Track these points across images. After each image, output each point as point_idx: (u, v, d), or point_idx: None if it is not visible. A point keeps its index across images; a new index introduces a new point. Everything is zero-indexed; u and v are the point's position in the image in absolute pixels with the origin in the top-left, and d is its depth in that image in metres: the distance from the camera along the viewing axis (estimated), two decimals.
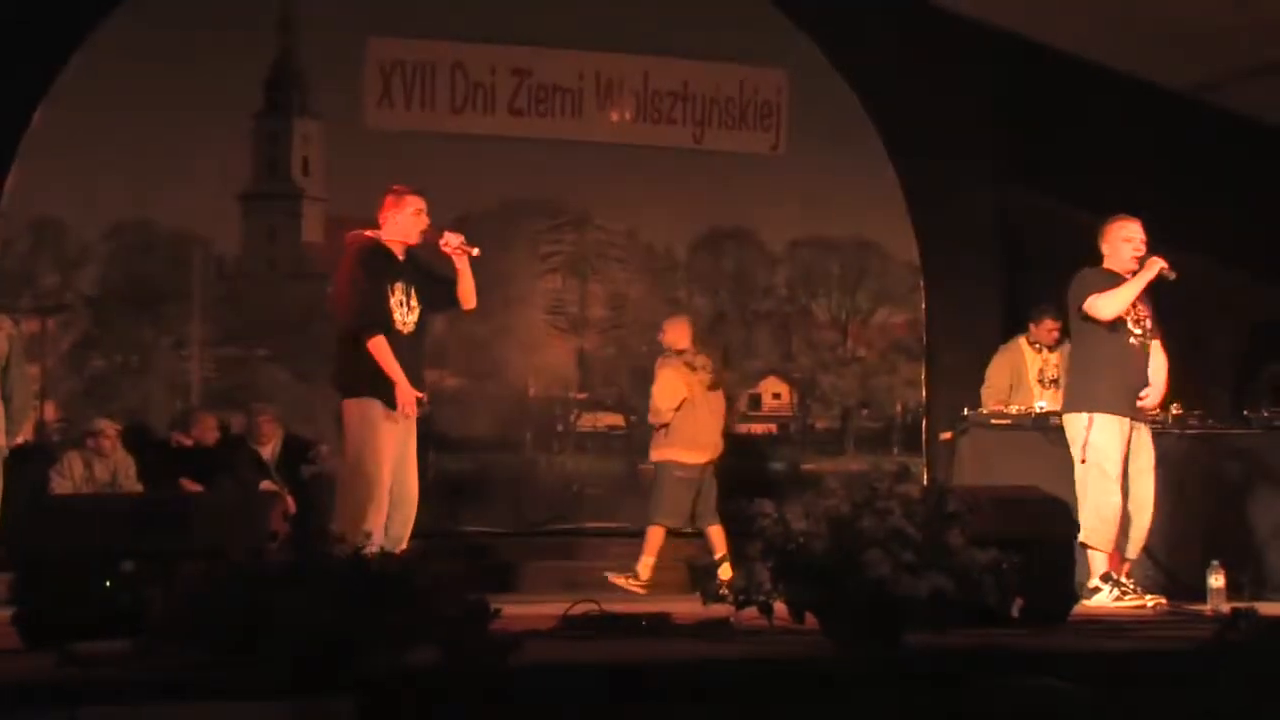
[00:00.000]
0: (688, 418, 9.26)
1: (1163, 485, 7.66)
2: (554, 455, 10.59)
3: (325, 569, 4.08)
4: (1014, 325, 9.51)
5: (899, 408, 11.19)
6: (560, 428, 10.63)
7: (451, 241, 6.83)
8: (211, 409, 9.72)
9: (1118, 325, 7.34)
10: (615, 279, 10.84)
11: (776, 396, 11.20)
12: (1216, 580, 7.19)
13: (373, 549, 5.44)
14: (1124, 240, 7.37)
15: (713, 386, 9.36)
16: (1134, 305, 7.38)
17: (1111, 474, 7.24)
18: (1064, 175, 10.15)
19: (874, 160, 10.63)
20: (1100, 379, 7.45)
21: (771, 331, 11.31)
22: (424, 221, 6.87)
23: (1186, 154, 9.89)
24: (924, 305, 10.91)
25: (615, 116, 10.64)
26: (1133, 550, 7.37)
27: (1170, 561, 7.88)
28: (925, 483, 9.36)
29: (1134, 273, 7.34)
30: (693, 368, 9.32)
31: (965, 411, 8.55)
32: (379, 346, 6.65)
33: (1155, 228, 7.43)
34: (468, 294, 6.97)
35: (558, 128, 10.45)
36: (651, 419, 9.35)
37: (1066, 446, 7.46)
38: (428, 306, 6.94)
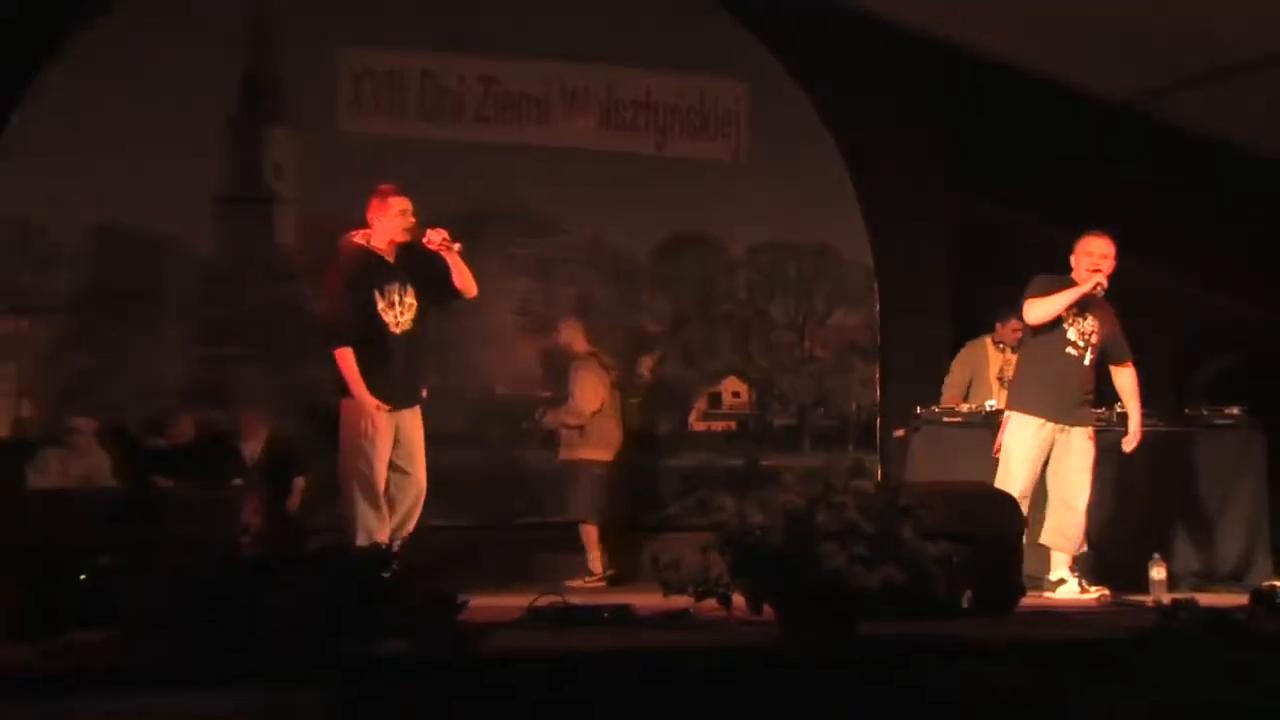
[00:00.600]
0: (603, 418, 9.33)
1: (1108, 481, 7.71)
2: (521, 451, 10.58)
3: (295, 562, 4.06)
4: (965, 326, 9.54)
5: (854, 406, 11.22)
6: (526, 425, 10.62)
7: (434, 239, 6.84)
8: (187, 408, 9.66)
9: (1055, 333, 7.38)
10: (580, 282, 10.83)
11: (736, 395, 11.22)
12: (1158, 572, 7.25)
13: (362, 541, 5.42)
14: (1084, 254, 7.42)
15: (617, 385, 9.43)
16: (1081, 318, 7.40)
17: (1015, 473, 7.30)
18: (1012, 183, 10.21)
19: (830, 167, 10.66)
20: (1027, 382, 7.53)
21: (731, 333, 11.33)
22: (409, 221, 6.87)
23: (1128, 163, 9.95)
24: (878, 307, 10.94)
25: (580, 124, 10.64)
26: (1068, 545, 7.41)
27: (1115, 554, 7.93)
28: (879, 478, 9.40)
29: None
30: (605, 368, 9.40)
31: (918, 410, 8.58)
32: (343, 358, 6.66)
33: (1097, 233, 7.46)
34: (466, 284, 6.98)
35: (524, 134, 10.44)
36: (569, 420, 9.38)
37: None
38: (430, 301, 6.94)
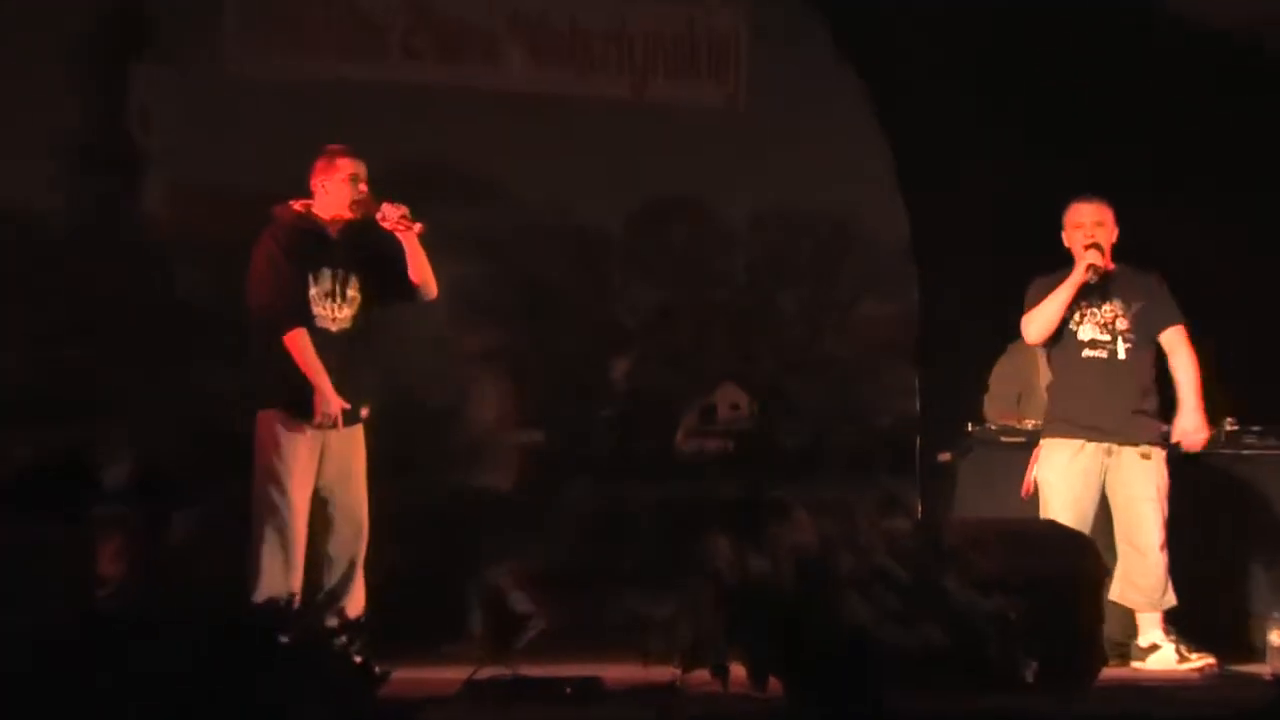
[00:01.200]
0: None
1: (1209, 519, 7.73)
2: (455, 478, 10.57)
3: (171, 622, 4.05)
4: None
5: (887, 421, 11.24)
6: (463, 444, 10.61)
7: (390, 215, 6.86)
8: (33, 422, 9.61)
9: (1064, 339, 7.44)
10: (533, 263, 10.83)
11: (734, 408, 11.23)
12: (1278, 637, 7.25)
13: (262, 596, 5.43)
14: (1073, 228, 7.48)
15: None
16: (1095, 306, 7.44)
17: (1057, 504, 7.33)
18: (1090, 139, 10.20)
19: (856, 118, 10.66)
20: (1052, 399, 7.58)
21: (728, 328, 11.34)
22: (359, 191, 6.88)
23: (1245, 111, 9.95)
24: (917, 295, 10.95)
25: (536, 62, 10.64)
26: (1143, 602, 7.42)
27: (1221, 613, 7.94)
28: (917, 514, 9.40)
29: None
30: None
31: (968, 427, 8.59)
32: (296, 342, 6.68)
33: (1202, 199, 7.47)
34: (425, 278, 6.99)
35: (464, 75, 10.43)
36: None
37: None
38: (375, 298, 6.96)
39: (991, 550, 5.19)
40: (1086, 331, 7.50)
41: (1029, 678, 5.61)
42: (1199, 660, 7.32)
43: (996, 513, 7.72)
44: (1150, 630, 7.45)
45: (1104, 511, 7.52)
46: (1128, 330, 7.48)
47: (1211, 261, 7.65)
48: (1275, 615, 7.37)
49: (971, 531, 5.11)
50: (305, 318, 6.75)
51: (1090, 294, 7.47)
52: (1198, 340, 7.74)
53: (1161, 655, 7.36)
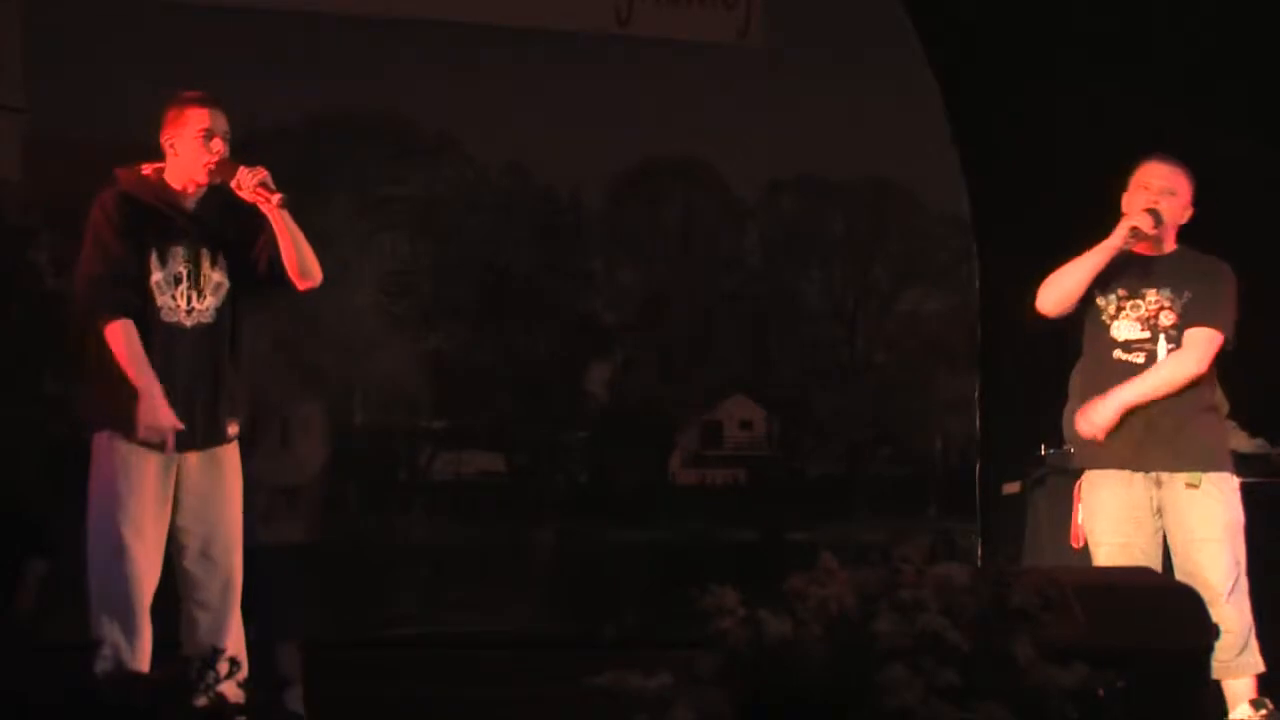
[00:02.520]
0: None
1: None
2: (394, 517, 10.59)
3: (20, 700, 4.06)
4: None
5: (939, 443, 11.27)
6: (404, 475, 10.63)
7: (245, 182, 6.83)
8: None
9: (1097, 334, 7.45)
10: (491, 240, 10.85)
11: (745, 426, 11.25)
12: None
13: (104, 662, 5.43)
14: (1139, 188, 7.46)
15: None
16: (1136, 297, 7.45)
17: (1104, 557, 7.36)
18: (1198, 85, 10.24)
19: (899, 56, 10.70)
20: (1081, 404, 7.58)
21: (739, 323, 11.37)
22: (216, 150, 6.87)
23: None
24: (978, 284, 10.98)
25: None
26: (1228, 662, 7.45)
27: None
28: (979, 561, 9.43)
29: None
30: None
31: (1043, 450, 8.61)
32: (117, 335, 6.66)
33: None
34: (298, 264, 6.96)
35: (403, 2, 10.44)
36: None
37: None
38: (242, 283, 6.95)
39: (1071, 609, 5.19)
40: (1123, 329, 7.47)
41: None
42: None
43: (1078, 559, 7.74)
44: (1240, 705, 7.47)
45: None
46: (1173, 325, 7.46)
47: None
48: None
49: (1046, 584, 5.11)
50: (131, 307, 6.73)
51: (1133, 279, 7.43)
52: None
53: None
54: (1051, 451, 8.64)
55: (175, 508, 6.85)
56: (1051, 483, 8.52)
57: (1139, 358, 7.40)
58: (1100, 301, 7.47)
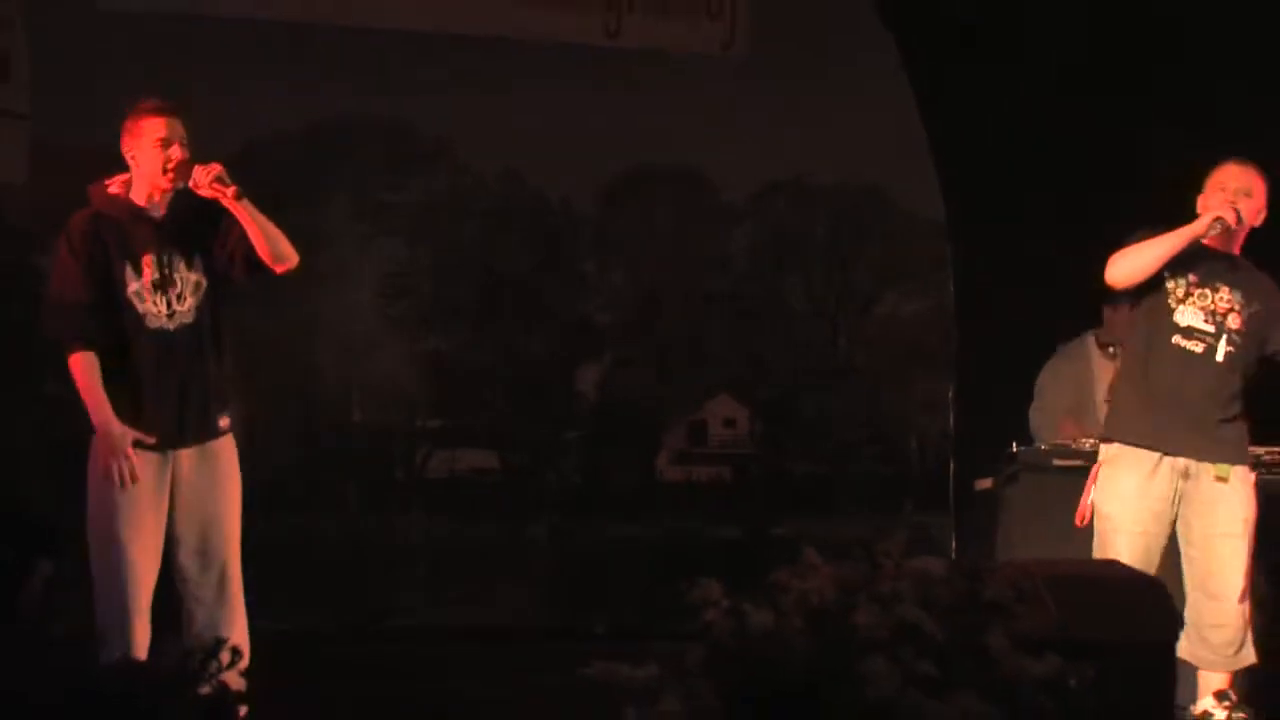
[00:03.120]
0: None
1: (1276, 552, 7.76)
2: (392, 515, 10.59)
3: (31, 691, 4.07)
4: (1088, 317, 9.57)
5: (915, 442, 11.28)
6: (401, 473, 10.63)
7: (200, 180, 6.82)
8: None
9: (1159, 317, 7.42)
10: (486, 244, 10.85)
11: (729, 424, 11.25)
12: None
13: (111, 658, 5.44)
14: (1216, 189, 7.46)
15: None
16: (1209, 288, 7.44)
17: (1116, 545, 7.34)
18: (1169, 87, 10.25)
19: (880, 67, 10.71)
20: (1124, 397, 7.54)
21: (725, 324, 11.38)
22: (174, 155, 6.86)
23: None
24: (953, 287, 11.00)
25: None
26: (1216, 660, 7.46)
27: None
28: (953, 555, 9.44)
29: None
30: None
31: (1014, 447, 8.62)
32: (77, 366, 6.69)
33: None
34: (270, 249, 6.94)
35: (399, 13, 10.44)
36: None
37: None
38: (220, 278, 6.95)
39: (1043, 601, 5.20)
40: (1187, 315, 7.43)
41: None
42: None
43: (1049, 553, 7.74)
44: (1206, 695, 7.47)
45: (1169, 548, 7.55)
46: (1238, 330, 7.45)
47: None
48: None
49: (1018, 577, 5.12)
50: (91, 339, 6.75)
51: (1208, 273, 7.42)
52: None
53: None
54: (1022, 449, 8.64)
55: (171, 504, 6.85)
56: (1023, 479, 8.51)
57: (1198, 347, 7.36)
58: (1170, 284, 7.43)
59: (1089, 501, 7.46)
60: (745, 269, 11.00)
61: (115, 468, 6.67)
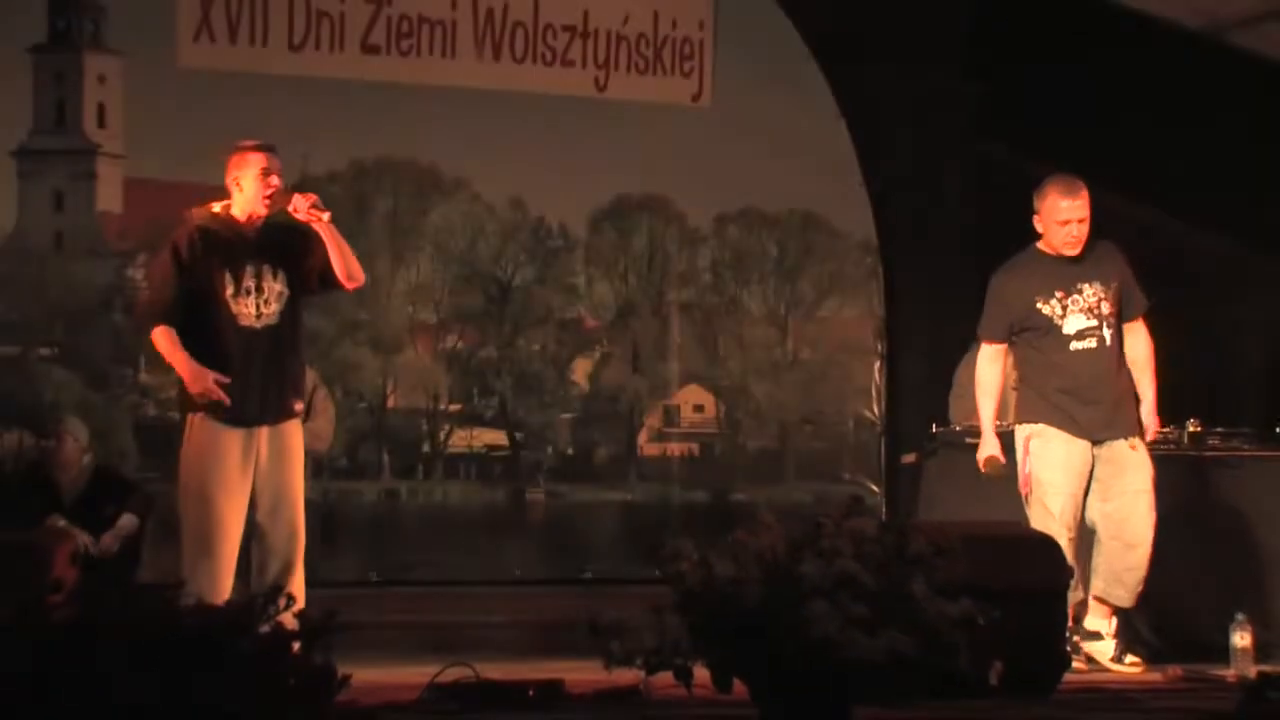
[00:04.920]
0: None
1: (1176, 521, 7.75)
2: (418, 483, 10.58)
3: (123, 626, 4.05)
4: None
5: (851, 423, 11.28)
6: (426, 448, 10.61)
7: (300, 206, 6.87)
8: None
9: (1049, 335, 7.40)
10: (495, 261, 10.84)
11: (698, 409, 11.26)
12: (1242, 639, 7.29)
13: (190, 602, 5.45)
14: (1051, 219, 7.40)
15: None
16: (1076, 292, 7.39)
17: (1053, 505, 7.33)
18: (1058, 130, 10.23)
19: (821, 114, 10.70)
20: (1043, 397, 7.52)
21: (693, 327, 11.39)
22: (272, 185, 6.90)
23: (1206, 106, 9.98)
24: (882, 295, 10.99)
25: (497, 57, 10.64)
26: (1128, 597, 7.45)
27: (1184, 615, 7.98)
28: (883, 517, 9.43)
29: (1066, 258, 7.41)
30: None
31: (934, 427, 8.61)
32: (158, 340, 6.74)
33: (1170, 199, 7.50)
34: (345, 269, 6.99)
35: (424, 70, 10.42)
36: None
37: None
38: (303, 290, 6.98)
39: (958, 555, 5.21)
40: (1074, 323, 7.39)
41: (994, 680, 5.65)
42: (1131, 666, 7.33)
43: (962, 515, 7.74)
44: (1098, 618, 7.45)
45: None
46: (1112, 313, 7.40)
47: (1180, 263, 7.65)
48: (1238, 617, 7.39)
49: (938, 536, 5.13)
50: (172, 317, 6.80)
51: (1069, 280, 7.37)
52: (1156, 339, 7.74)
53: (1100, 647, 7.36)
54: (941, 429, 8.64)
55: (255, 475, 6.88)
56: (941, 454, 8.51)
57: (1091, 343, 7.34)
58: (1044, 310, 7.39)
59: (1027, 471, 7.45)
60: (708, 281, 11.00)
61: (208, 443, 6.70)
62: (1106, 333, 7.35)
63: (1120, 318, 7.38)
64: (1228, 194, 9.72)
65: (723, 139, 9.90)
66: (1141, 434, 7.44)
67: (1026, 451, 7.48)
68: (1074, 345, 7.35)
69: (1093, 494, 7.41)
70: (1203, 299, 7.69)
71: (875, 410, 11.00)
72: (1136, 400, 7.46)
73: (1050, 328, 7.35)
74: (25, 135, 10.05)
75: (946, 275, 10.63)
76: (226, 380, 6.78)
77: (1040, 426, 7.45)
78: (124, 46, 10.14)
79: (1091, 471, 7.38)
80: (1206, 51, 10.12)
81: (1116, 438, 7.37)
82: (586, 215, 10.48)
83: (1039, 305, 7.36)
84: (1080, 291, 7.34)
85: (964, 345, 9.45)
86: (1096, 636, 7.39)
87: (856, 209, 11.01)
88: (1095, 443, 7.37)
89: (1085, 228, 7.33)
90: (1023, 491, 7.48)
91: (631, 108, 10.83)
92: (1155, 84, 10.03)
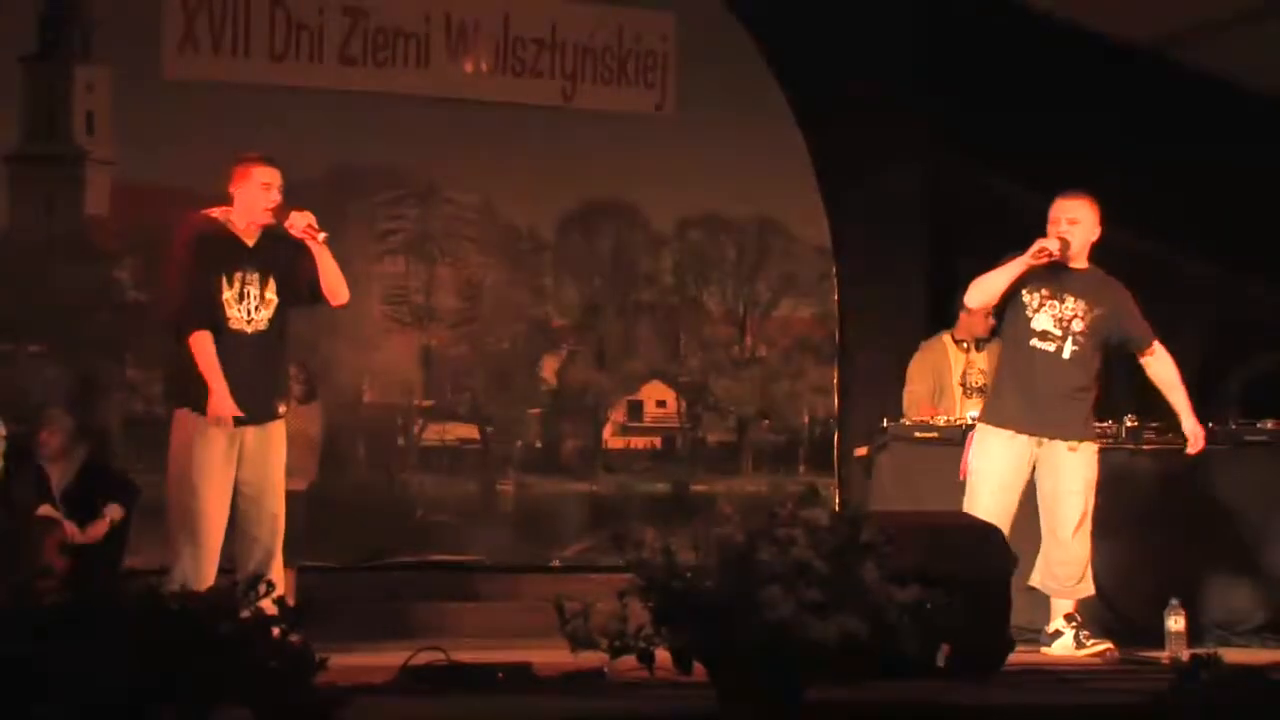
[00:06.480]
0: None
1: (1113, 511, 7.79)
2: (393, 474, 10.55)
3: (109, 611, 4.04)
4: (944, 320, 9.58)
5: (806, 418, 11.28)
6: (401, 441, 10.59)
7: (297, 223, 6.87)
8: None
9: (1018, 324, 7.45)
10: (468, 263, 10.82)
11: (661, 404, 11.25)
12: (1175, 622, 7.33)
13: (174, 587, 5.42)
14: (1051, 221, 7.49)
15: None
16: (1057, 300, 7.44)
17: (982, 500, 7.36)
18: (1005, 144, 10.25)
19: (778, 123, 10.70)
20: (996, 387, 7.61)
21: (655, 326, 11.36)
22: (274, 199, 6.89)
23: (1149, 122, 10.02)
24: (836, 297, 11.00)
25: (469, 67, 10.63)
26: (1058, 589, 7.48)
27: (1121, 601, 8.01)
28: (836, 507, 9.45)
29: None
30: None
31: (884, 423, 8.63)
32: (199, 344, 6.71)
33: (1109, 205, 7.52)
34: (333, 287, 7.00)
35: (399, 80, 10.41)
36: None
37: None
38: (288, 299, 6.97)
39: (907, 543, 5.22)
40: (1041, 321, 7.45)
41: (941, 662, 5.66)
42: (1096, 647, 7.37)
43: (912, 506, 7.77)
44: (1058, 618, 7.51)
45: (1030, 499, 7.55)
46: (1082, 333, 7.44)
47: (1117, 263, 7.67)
48: (1172, 602, 7.43)
49: (888, 525, 5.14)
50: (211, 322, 6.78)
51: (1057, 286, 7.42)
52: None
53: (1062, 641, 7.42)
54: (892, 424, 8.65)
55: (238, 470, 6.87)
56: (892, 447, 8.53)
57: (1049, 347, 7.41)
58: (1026, 297, 7.45)
59: (966, 459, 7.50)
60: (670, 283, 11.00)
61: (199, 439, 6.69)
62: (1068, 347, 7.40)
63: (1103, 341, 7.44)
64: (1165, 198, 9.78)
65: (685, 147, 9.86)
66: (1093, 438, 7.50)
67: (970, 442, 7.55)
68: (1033, 342, 7.41)
69: (1036, 489, 7.46)
70: (1141, 299, 7.71)
71: (829, 405, 11.00)
72: (1092, 410, 7.51)
73: (1021, 316, 7.43)
74: (18, 143, 10.07)
75: (897, 277, 10.66)
76: (240, 414, 6.78)
77: (986, 423, 7.51)
78: (112, 57, 10.14)
79: (1036, 469, 7.45)
80: (1150, 65, 10.17)
81: (1056, 438, 7.41)
82: (555, 219, 10.47)
83: (1024, 291, 7.43)
84: (1062, 300, 7.41)
85: (914, 343, 9.50)
86: (1057, 635, 7.44)
87: (812, 215, 11.03)
88: (1037, 442, 7.41)
89: (1074, 232, 7.40)
90: (960, 476, 7.56)
91: (598, 117, 10.82)
92: (1104, 95, 10.07)
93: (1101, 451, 7.65)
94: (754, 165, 10.95)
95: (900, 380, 9.34)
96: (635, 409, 11.16)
